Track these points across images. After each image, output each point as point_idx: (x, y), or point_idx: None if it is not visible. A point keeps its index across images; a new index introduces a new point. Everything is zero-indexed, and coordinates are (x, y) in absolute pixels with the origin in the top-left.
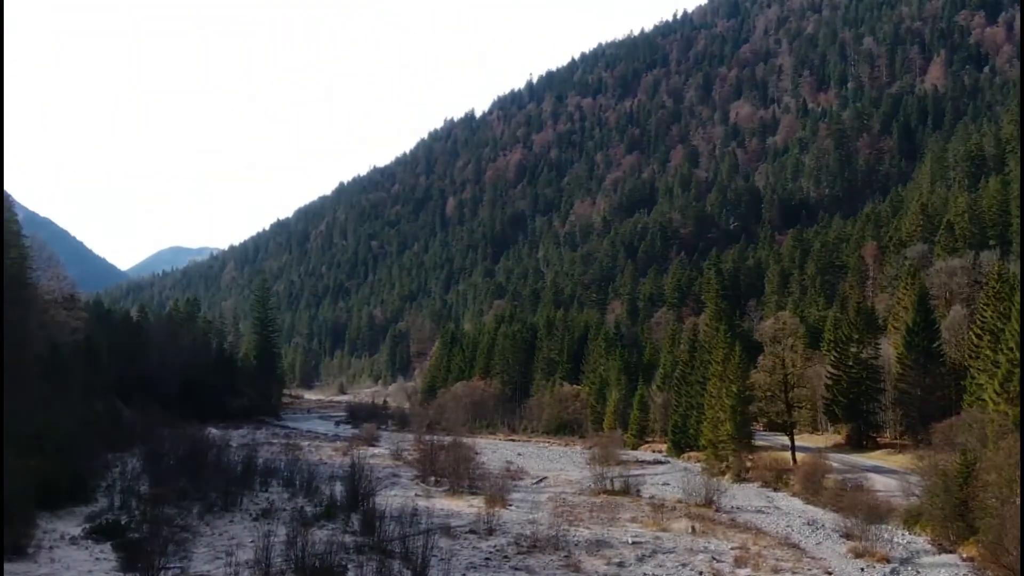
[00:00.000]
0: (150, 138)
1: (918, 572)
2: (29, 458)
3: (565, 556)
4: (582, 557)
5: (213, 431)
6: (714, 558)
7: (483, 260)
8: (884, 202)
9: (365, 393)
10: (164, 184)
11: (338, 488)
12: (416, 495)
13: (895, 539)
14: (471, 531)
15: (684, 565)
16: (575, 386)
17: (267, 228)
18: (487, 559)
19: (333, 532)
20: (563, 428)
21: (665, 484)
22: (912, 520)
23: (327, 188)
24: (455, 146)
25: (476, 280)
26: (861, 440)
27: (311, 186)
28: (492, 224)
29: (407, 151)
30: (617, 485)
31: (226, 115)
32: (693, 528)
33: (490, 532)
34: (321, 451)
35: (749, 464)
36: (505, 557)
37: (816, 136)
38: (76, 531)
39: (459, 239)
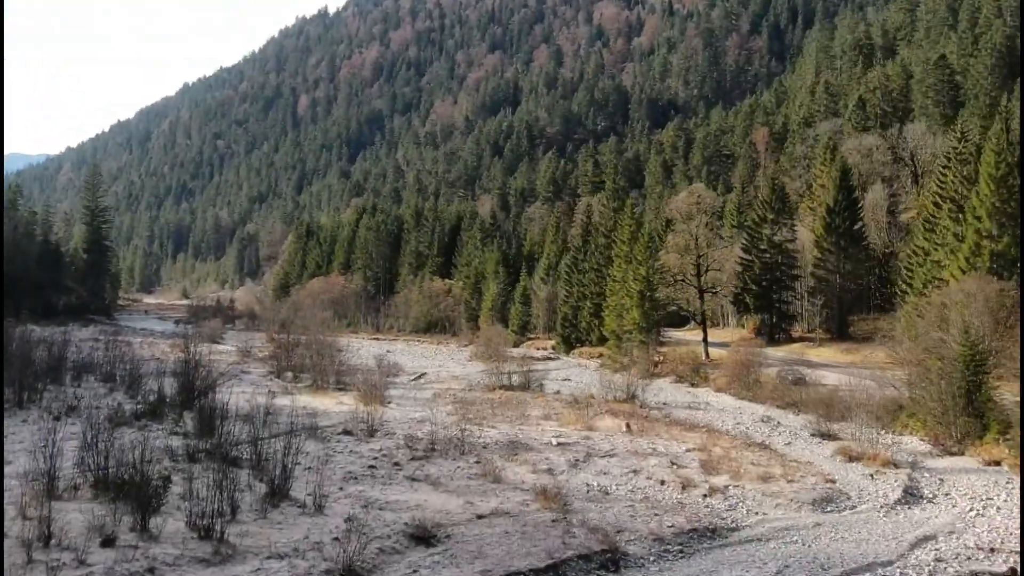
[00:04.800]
0: None
1: (942, 480)
2: None
3: (476, 462)
4: (498, 463)
5: (34, 329)
6: (673, 462)
7: (338, 160)
8: (765, 93)
9: (210, 297)
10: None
11: (170, 385)
12: (271, 392)
13: (881, 440)
14: (345, 432)
15: (635, 472)
16: (447, 281)
17: (107, 130)
18: (371, 467)
19: (157, 435)
20: (434, 326)
21: (566, 380)
22: (892, 417)
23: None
24: (307, 43)
25: (331, 181)
26: (773, 333)
27: (160, 91)
28: (347, 123)
29: (256, 50)
30: (515, 380)
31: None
32: (628, 427)
33: (371, 433)
34: (155, 348)
35: (658, 359)
36: (396, 464)
37: (684, 36)
38: None
39: (312, 139)
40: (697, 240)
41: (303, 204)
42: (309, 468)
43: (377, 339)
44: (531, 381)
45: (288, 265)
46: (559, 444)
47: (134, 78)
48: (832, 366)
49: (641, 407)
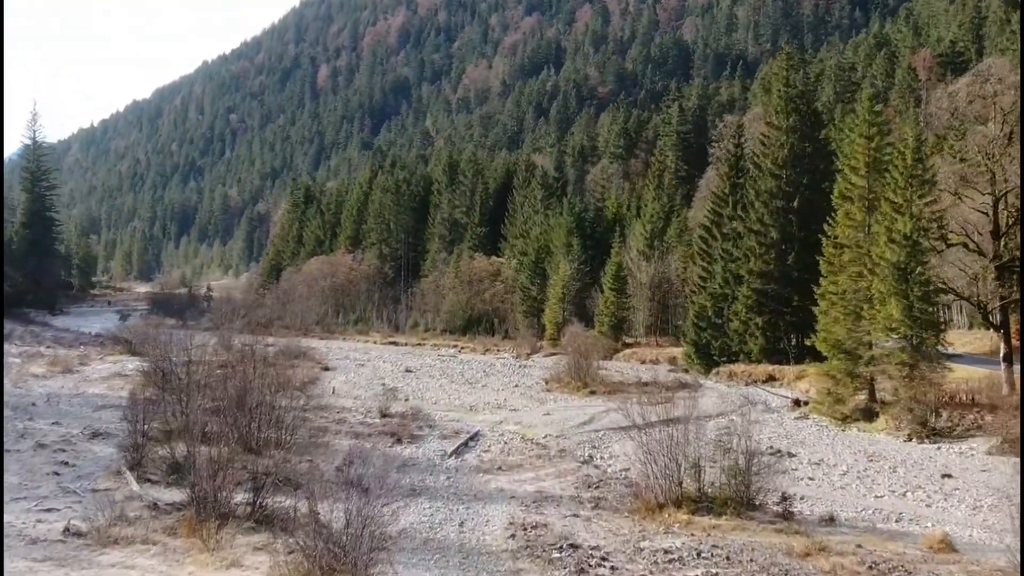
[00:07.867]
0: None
1: None
2: None
3: None
4: None
5: None
6: None
7: (360, 132)
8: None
9: (214, 286)
10: (23, 71)
11: None
12: (68, 538)
13: None
14: None
15: None
16: (493, 259)
17: (120, 110)
18: None
19: None
20: (476, 323)
21: (786, 455)
22: None
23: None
24: (329, 11)
25: (351, 154)
26: None
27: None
28: (371, 93)
29: (275, 21)
30: (712, 481)
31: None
32: None
33: None
34: (33, 363)
35: (928, 394)
36: None
37: None
38: None
39: (332, 110)
40: (994, 165)
41: (320, 179)
42: None
43: (395, 342)
44: (737, 478)
45: (281, 241)
46: None
47: (134, 78)
48: None
49: None
